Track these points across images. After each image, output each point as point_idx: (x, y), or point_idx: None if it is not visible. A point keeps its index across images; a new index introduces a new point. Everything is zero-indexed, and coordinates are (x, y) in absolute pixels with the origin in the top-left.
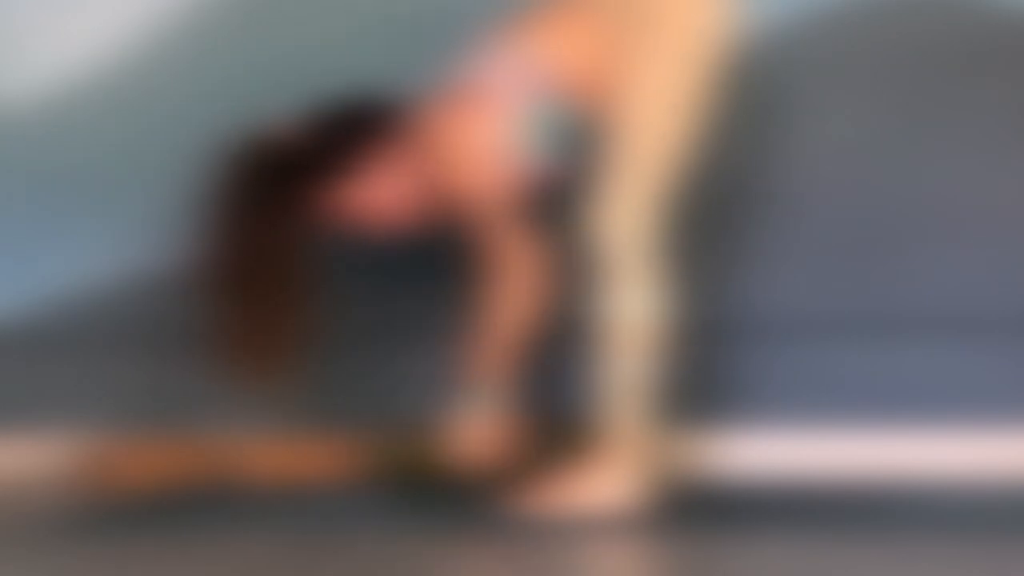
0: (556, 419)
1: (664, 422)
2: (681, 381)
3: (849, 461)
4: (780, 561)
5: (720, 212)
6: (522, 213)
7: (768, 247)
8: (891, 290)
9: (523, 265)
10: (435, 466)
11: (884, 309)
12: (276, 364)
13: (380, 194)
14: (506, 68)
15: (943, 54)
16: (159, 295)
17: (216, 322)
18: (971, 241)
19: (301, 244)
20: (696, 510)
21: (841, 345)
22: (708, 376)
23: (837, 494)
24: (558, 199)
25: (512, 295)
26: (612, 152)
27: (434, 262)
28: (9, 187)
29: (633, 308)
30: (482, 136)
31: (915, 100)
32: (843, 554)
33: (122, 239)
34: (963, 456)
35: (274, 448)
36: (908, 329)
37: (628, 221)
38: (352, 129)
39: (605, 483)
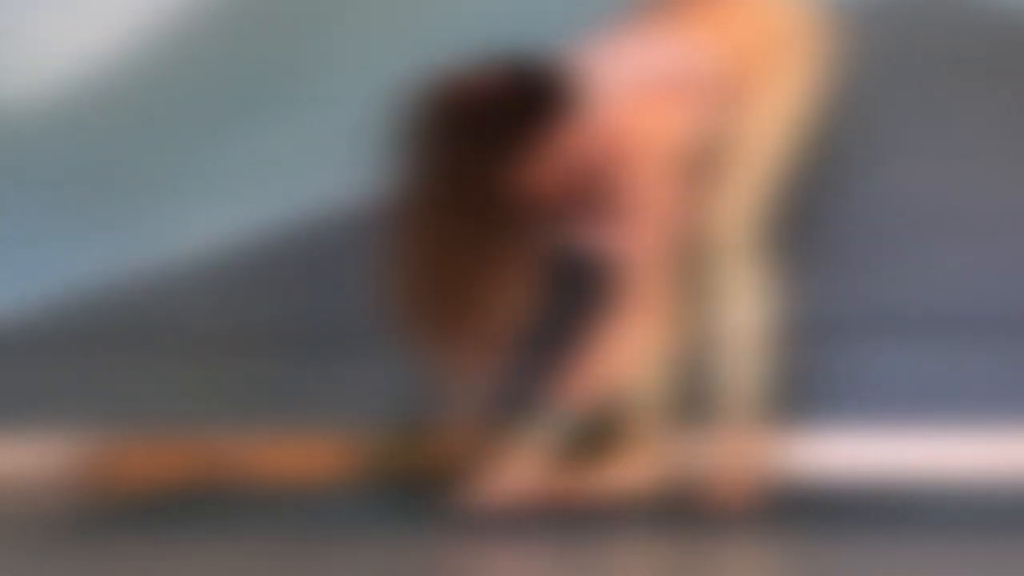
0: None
1: (762, 421)
2: (773, 381)
3: (867, 461)
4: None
5: (790, 214)
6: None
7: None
8: (890, 290)
9: (660, 302)
10: (434, 465)
11: (883, 309)
12: (472, 334)
13: (549, 164)
14: (679, 63)
15: (943, 54)
16: (159, 295)
17: (403, 285)
18: (971, 241)
19: (492, 199)
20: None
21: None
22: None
23: (847, 493)
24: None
25: (637, 328)
26: (731, 150)
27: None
28: (9, 187)
29: (742, 309)
30: (661, 126)
31: (915, 100)
32: (851, 553)
33: (122, 239)
34: (963, 456)
35: (274, 448)
36: (908, 329)
37: (739, 223)
38: (540, 92)
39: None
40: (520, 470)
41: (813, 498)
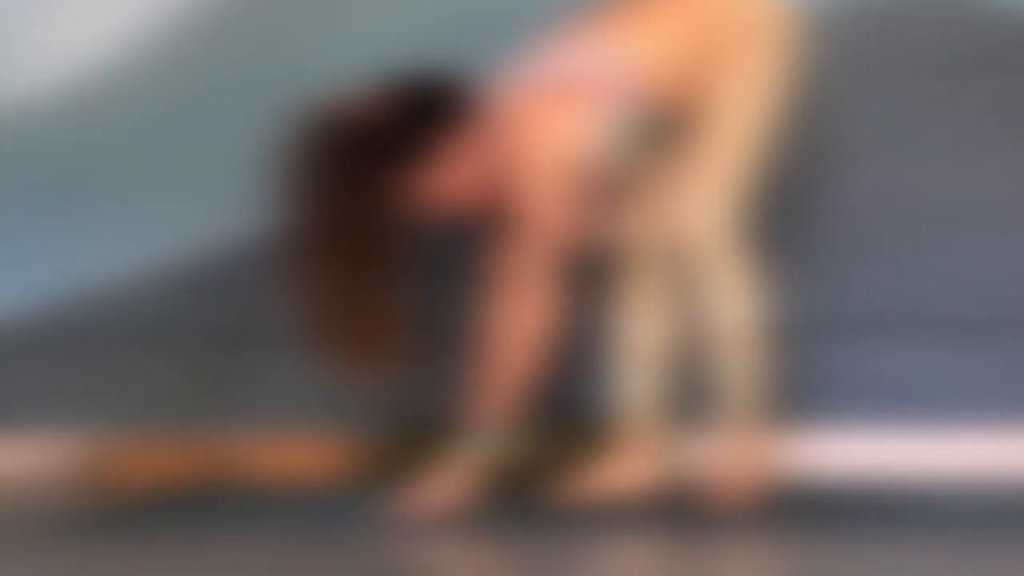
0: (592, 419)
1: (762, 421)
2: (775, 379)
3: (886, 460)
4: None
5: (784, 214)
6: (576, 229)
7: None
8: (890, 289)
9: (550, 302)
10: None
11: (883, 308)
12: (375, 349)
13: (446, 177)
14: (592, 64)
15: (943, 54)
16: (160, 294)
17: (309, 302)
18: (970, 240)
19: (382, 220)
20: (781, 509)
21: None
22: (778, 376)
23: (847, 493)
24: (634, 198)
25: (527, 332)
26: (696, 154)
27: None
28: (9, 187)
29: (727, 309)
30: (556, 133)
31: (915, 100)
32: (855, 553)
33: (122, 239)
34: (962, 456)
35: (274, 448)
36: (908, 329)
37: (713, 223)
38: (429, 105)
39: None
40: (449, 482)
41: (812, 498)
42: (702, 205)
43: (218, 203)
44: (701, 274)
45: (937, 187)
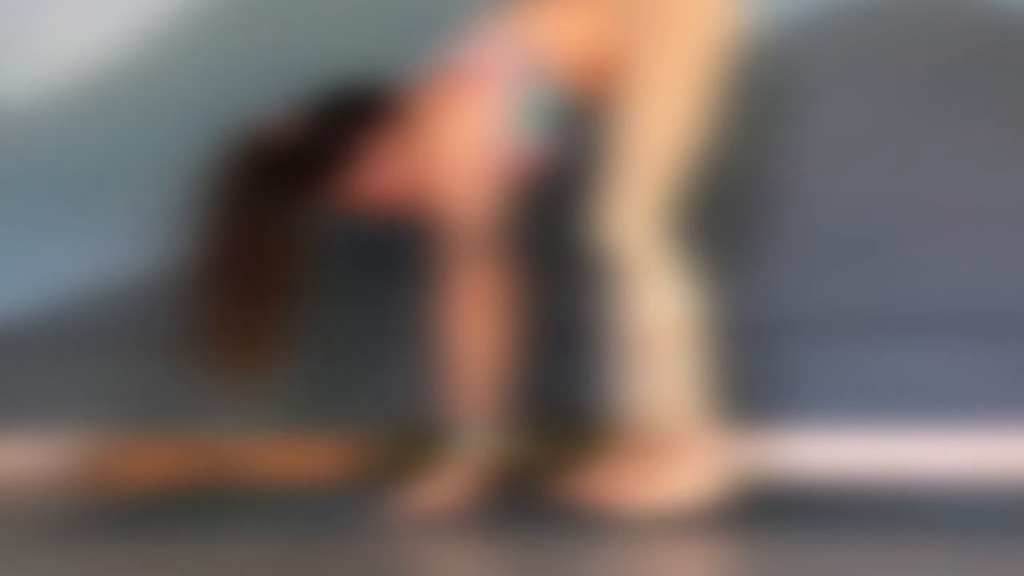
0: (587, 418)
1: (718, 422)
2: (736, 381)
3: (862, 460)
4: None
5: (733, 209)
6: (503, 217)
7: (770, 246)
8: (890, 289)
9: (490, 286)
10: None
11: (883, 308)
12: (265, 360)
13: (375, 180)
14: (499, 52)
15: (943, 54)
16: (158, 295)
17: (207, 317)
18: (971, 241)
19: (297, 238)
20: (752, 509)
21: (850, 343)
22: (754, 376)
23: (846, 493)
24: (555, 186)
25: (475, 319)
26: (618, 143)
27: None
28: (9, 187)
29: (653, 306)
30: (469, 122)
31: (914, 100)
32: (859, 553)
33: (122, 239)
34: (963, 456)
35: (274, 448)
36: (909, 328)
37: (636, 216)
38: (347, 117)
39: (655, 483)
40: (447, 482)
41: (793, 500)
42: (627, 206)
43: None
44: (629, 275)
45: (934, 187)
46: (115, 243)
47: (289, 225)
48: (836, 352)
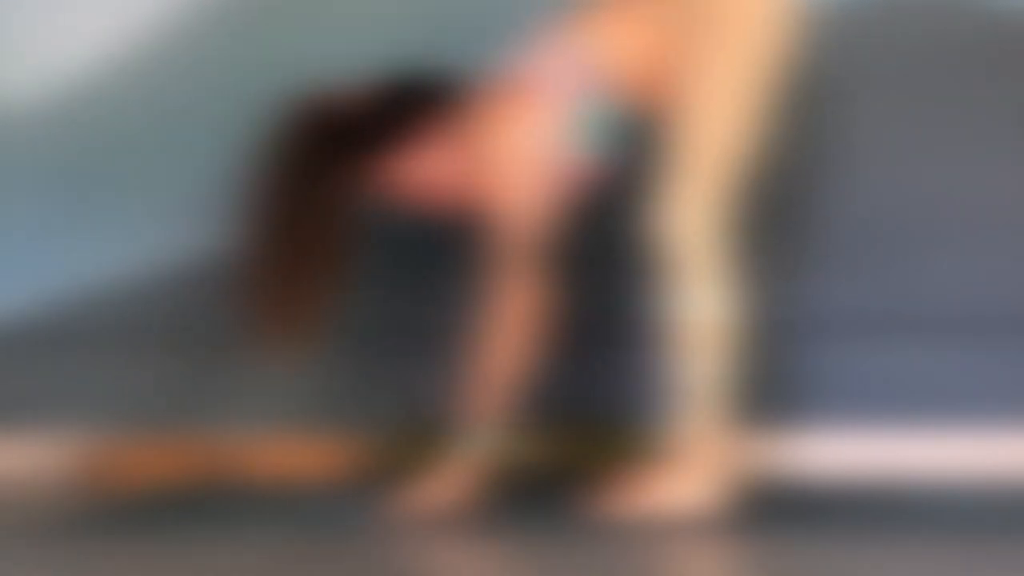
0: (620, 422)
1: (736, 423)
2: (751, 381)
3: (883, 461)
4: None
5: (774, 211)
6: (553, 228)
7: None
8: (891, 289)
9: (531, 296)
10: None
11: (880, 309)
12: (304, 336)
13: (424, 171)
14: (560, 63)
15: (943, 54)
16: (159, 295)
17: (253, 287)
18: (964, 241)
19: (348, 212)
20: (765, 510)
21: (867, 344)
22: (767, 376)
23: (838, 495)
24: (612, 197)
25: (511, 327)
26: (674, 149)
27: (443, 259)
28: (9, 187)
29: (701, 308)
30: (526, 131)
31: (915, 100)
32: (866, 554)
33: (123, 238)
34: (952, 457)
35: (274, 448)
36: (912, 329)
37: (693, 219)
38: (407, 103)
39: (681, 484)
40: (449, 481)
41: (803, 500)
42: (683, 205)
43: (219, 203)
44: (675, 276)
45: (936, 187)
46: (115, 243)
47: (343, 200)
48: (853, 353)
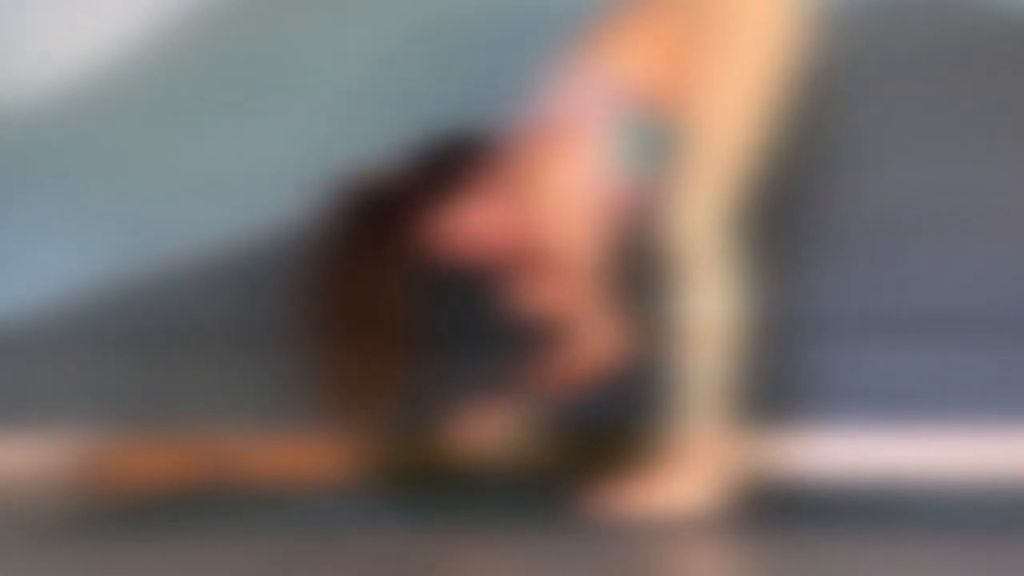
0: (627, 420)
1: (737, 423)
2: (755, 381)
3: (887, 460)
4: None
5: (775, 211)
6: (605, 254)
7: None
8: (891, 289)
9: (600, 326)
10: (439, 465)
11: (880, 308)
12: (377, 404)
13: (477, 226)
14: (585, 92)
15: (943, 54)
16: (160, 294)
17: (323, 368)
18: (965, 240)
19: (404, 280)
20: (765, 510)
21: (863, 345)
22: (768, 376)
23: (840, 493)
24: (646, 211)
25: (582, 355)
26: (687, 154)
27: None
28: (9, 187)
29: (706, 308)
30: (570, 167)
31: (914, 100)
32: (872, 552)
33: (122, 239)
34: (954, 457)
35: (274, 448)
36: (912, 329)
37: (701, 220)
38: (448, 164)
39: (683, 483)
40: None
41: (806, 497)
42: (692, 206)
43: (219, 203)
44: (688, 273)
45: (936, 187)
46: (115, 243)
47: (397, 271)
48: (853, 353)
